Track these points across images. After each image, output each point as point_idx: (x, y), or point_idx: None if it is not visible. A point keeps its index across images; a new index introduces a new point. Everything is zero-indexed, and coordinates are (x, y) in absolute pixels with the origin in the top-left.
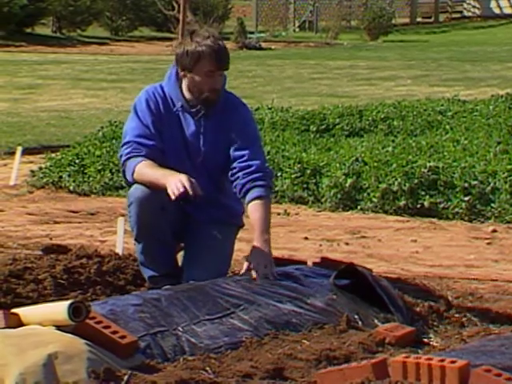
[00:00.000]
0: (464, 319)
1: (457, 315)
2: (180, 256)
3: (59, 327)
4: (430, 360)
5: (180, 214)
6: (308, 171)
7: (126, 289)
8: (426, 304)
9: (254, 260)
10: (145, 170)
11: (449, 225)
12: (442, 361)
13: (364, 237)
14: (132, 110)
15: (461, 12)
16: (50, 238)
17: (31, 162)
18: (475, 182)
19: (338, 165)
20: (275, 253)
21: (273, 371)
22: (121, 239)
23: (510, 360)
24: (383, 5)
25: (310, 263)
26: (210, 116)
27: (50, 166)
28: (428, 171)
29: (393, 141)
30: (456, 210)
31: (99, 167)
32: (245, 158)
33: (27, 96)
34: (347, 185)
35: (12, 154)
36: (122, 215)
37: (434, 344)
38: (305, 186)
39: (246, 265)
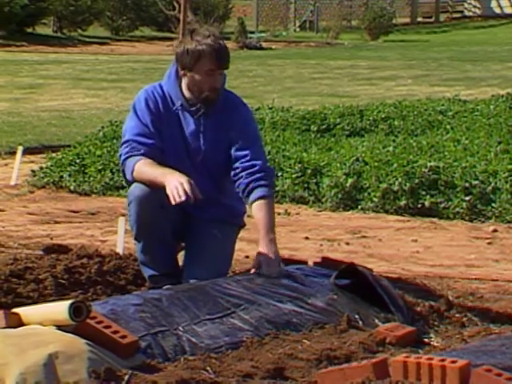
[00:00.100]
0: (465, 319)
1: (457, 315)
2: (181, 256)
3: (60, 327)
4: (431, 360)
5: (180, 213)
6: (309, 171)
7: (126, 288)
8: (426, 304)
9: (262, 259)
10: (144, 168)
11: (449, 224)
12: (443, 360)
13: (365, 236)
14: (131, 109)
15: (461, 12)
16: (51, 238)
17: (32, 162)
18: (476, 182)
19: (338, 165)
20: None
21: (273, 371)
22: (121, 239)
23: (511, 360)
24: (384, 4)
25: (310, 263)
26: (209, 115)
27: (51, 165)
28: (429, 171)
29: (393, 140)
30: (457, 209)
31: (100, 167)
32: (247, 158)
33: (28, 96)
34: (348, 185)
35: (13, 153)
36: (123, 215)
37: (435, 344)
38: (305, 185)
39: (254, 263)
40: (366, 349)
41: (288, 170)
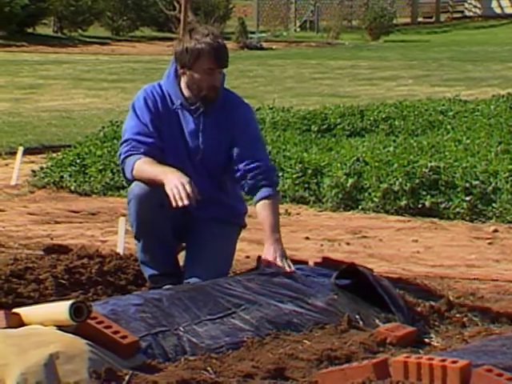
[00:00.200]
0: (465, 319)
1: (458, 315)
2: (182, 256)
3: (60, 327)
4: (432, 360)
5: (180, 212)
6: (309, 171)
7: (127, 289)
8: (427, 304)
9: (269, 256)
10: (144, 166)
11: (450, 225)
12: (444, 361)
13: (365, 237)
14: (130, 108)
15: (462, 12)
16: (51, 238)
17: (32, 162)
18: (476, 182)
19: (339, 165)
20: None
21: (274, 371)
22: (122, 239)
23: None
24: (384, 5)
25: (311, 263)
26: (209, 113)
27: (51, 165)
28: (429, 171)
29: (394, 141)
30: (457, 209)
31: (100, 167)
32: (250, 159)
33: (28, 96)
34: (348, 185)
35: (13, 153)
36: (123, 215)
37: (435, 344)
38: (306, 185)
39: (262, 260)
40: (367, 349)
41: (289, 170)
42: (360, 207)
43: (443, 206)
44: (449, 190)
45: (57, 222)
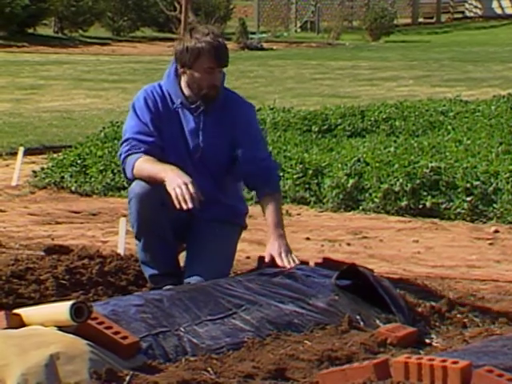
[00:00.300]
0: (466, 320)
1: (459, 316)
2: (182, 257)
3: (61, 328)
4: (432, 360)
5: (181, 212)
6: (310, 171)
7: (127, 289)
8: (427, 304)
9: (273, 251)
10: (144, 165)
11: (451, 225)
12: (444, 361)
13: (366, 237)
14: (130, 108)
15: (462, 12)
16: (52, 239)
17: (33, 163)
18: (477, 183)
19: (339, 165)
20: None
21: (275, 372)
22: (122, 240)
23: None
24: (385, 5)
25: (311, 263)
26: (209, 112)
27: (52, 166)
28: (430, 171)
29: (395, 141)
30: (458, 210)
31: (101, 168)
32: (253, 158)
33: (29, 96)
34: (349, 185)
35: (14, 154)
36: (124, 216)
37: (436, 344)
38: (307, 186)
39: (266, 256)
40: (367, 349)
41: (289, 170)
42: (361, 208)
43: (444, 206)
44: (449, 190)
45: (57, 223)
